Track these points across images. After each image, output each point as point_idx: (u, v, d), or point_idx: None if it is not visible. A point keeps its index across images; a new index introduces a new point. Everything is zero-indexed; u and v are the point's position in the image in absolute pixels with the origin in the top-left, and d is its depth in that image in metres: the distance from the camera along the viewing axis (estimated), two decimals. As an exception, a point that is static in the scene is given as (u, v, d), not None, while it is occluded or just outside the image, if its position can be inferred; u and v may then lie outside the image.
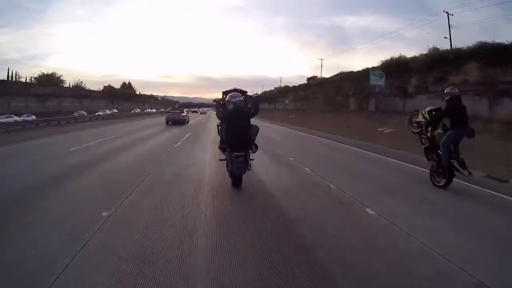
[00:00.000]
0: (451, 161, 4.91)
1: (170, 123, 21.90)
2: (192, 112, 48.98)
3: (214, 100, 5.56)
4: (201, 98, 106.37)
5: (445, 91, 5.34)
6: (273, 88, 63.94)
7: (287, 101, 28.30)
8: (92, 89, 52.66)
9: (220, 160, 5.34)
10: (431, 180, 5.41)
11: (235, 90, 5.26)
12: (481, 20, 57.50)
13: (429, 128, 5.62)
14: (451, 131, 5.03)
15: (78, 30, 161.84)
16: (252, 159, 4.78)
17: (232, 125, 4.59)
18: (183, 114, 23.98)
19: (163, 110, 55.11)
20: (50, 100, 37.19)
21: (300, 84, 43.70)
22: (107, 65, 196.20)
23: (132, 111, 50.02)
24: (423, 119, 5.85)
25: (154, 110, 60.41)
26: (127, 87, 71.91)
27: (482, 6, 40.96)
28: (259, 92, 59.82)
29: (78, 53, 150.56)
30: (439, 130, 5.37)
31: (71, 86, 46.89)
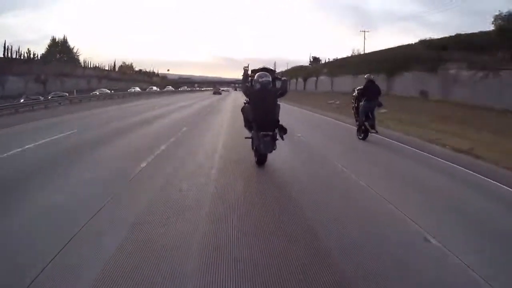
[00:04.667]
0: (365, 123, 7.95)
1: (213, 93, 46.51)
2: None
3: (245, 68, 5.43)
4: (220, 77, 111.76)
5: (365, 76, 8.25)
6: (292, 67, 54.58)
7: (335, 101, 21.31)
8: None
9: (246, 138, 5.46)
10: (357, 134, 8.51)
11: (263, 69, 5.38)
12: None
13: (356, 100, 8.62)
14: (365, 102, 8.02)
15: (95, 8, 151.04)
16: (278, 139, 4.81)
17: (259, 105, 4.73)
18: (220, 90, 53.52)
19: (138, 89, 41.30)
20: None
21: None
22: (125, 44, 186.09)
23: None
24: (355, 94, 8.82)
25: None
26: (65, 52, 46.78)
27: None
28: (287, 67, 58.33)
29: (95, 32, 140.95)
30: (362, 102, 8.35)
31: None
